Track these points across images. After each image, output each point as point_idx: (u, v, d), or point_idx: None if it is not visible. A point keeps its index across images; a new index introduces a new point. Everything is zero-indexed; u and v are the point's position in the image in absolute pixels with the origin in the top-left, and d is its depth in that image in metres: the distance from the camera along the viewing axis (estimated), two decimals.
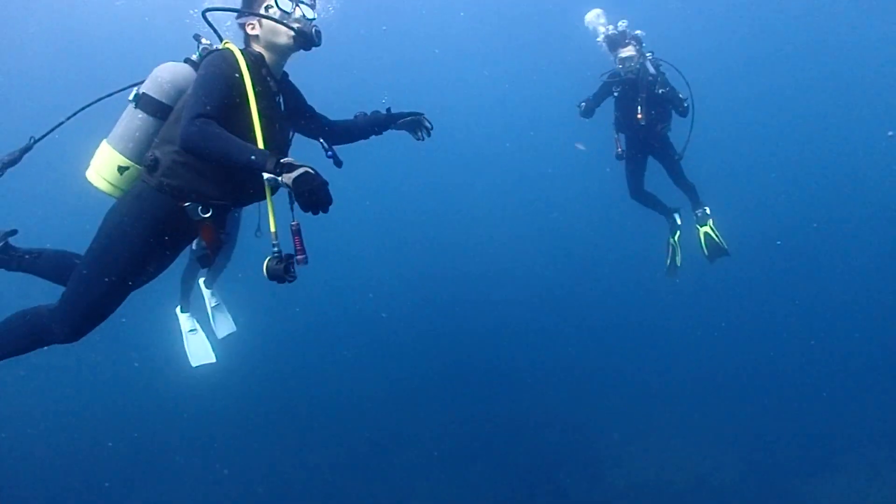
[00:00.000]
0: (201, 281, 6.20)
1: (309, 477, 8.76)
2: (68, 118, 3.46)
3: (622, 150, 6.82)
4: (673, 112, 6.69)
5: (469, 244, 16.96)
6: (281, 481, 8.63)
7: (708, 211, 6.93)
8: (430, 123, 3.75)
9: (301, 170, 2.68)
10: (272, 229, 2.87)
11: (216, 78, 2.90)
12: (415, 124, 3.70)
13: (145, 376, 9.91)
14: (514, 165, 20.50)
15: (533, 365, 11.21)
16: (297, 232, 2.85)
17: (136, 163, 3.14)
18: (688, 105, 6.48)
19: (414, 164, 18.54)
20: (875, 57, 19.97)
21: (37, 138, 3.55)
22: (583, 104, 6.76)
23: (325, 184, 2.71)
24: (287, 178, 2.68)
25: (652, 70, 6.39)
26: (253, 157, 2.71)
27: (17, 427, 9.14)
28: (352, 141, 3.73)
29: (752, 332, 12.58)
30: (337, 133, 3.63)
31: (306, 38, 3.10)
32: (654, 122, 6.56)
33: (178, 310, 6.11)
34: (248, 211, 5.79)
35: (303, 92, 3.54)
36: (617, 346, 11.94)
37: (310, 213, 2.73)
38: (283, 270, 2.84)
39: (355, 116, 3.75)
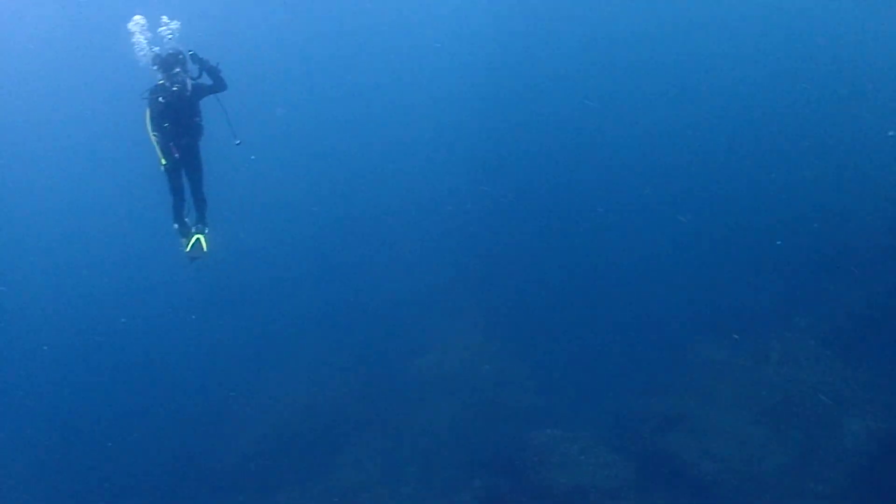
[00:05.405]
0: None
1: None
2: None
3: (168, 162, 7.62)
4: (202, 132, 7.79)
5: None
6: None
7: (206, 231, 8.27)
8: None
9: None
10: None
11: None
12: None
13: None
14: None
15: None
16: None
17: None
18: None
19: None
20: (875, 56, 19.54)
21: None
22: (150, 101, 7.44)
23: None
24: None
25: (189, 85, 7.39)
26: None
27: None
28: None
29: None
30: None
31: None
32: (199, 127, 7.78)
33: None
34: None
35: None
36: None
37: None
38: None
39: None
